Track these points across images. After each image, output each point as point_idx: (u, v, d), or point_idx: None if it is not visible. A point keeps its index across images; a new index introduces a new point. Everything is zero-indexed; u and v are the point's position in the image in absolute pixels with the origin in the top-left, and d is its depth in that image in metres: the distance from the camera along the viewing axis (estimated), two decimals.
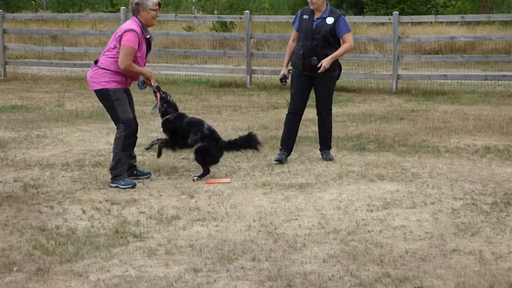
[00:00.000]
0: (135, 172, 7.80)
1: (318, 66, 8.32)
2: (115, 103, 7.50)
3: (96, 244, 5.60)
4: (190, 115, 8.17)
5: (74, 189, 7.39)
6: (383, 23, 24.92)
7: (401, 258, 5.26)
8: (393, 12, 16.26)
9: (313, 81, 8.54)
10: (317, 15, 8.44)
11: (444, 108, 13.09)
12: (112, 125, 11.24)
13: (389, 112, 12.68)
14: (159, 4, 7.59)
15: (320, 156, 8.77)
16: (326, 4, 8.46)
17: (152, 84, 7.77)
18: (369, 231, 5.90)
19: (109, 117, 11.88)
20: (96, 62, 7.58)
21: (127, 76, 7.56)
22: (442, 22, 24.54)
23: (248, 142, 7.96)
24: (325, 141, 8.77)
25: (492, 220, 6.20)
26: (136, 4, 7.52)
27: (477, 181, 7.60)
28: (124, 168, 7.53)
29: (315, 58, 8.36)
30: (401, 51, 18.94)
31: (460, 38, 17.60)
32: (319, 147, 8.88)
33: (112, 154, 7.66)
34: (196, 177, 7.73)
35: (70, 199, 6.99)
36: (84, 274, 4.99)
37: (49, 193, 7.22)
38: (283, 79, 8.66)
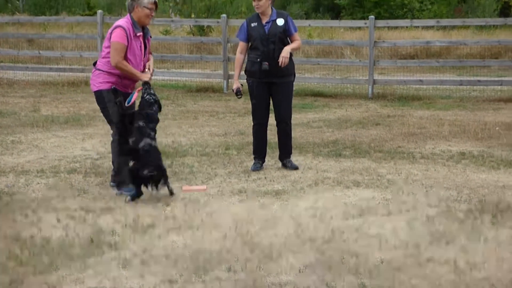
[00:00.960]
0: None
1: (278, 61, 8.25)
2: (108, 105, 7.45)
3: (70, 254, 5.56)
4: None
5: (49, 197, 7.34)
6: (359, 28, 25.03)
7: (377, 268, 5.27)
8: (369, 17, 16.37)
9: (271, 88, 8.52)
10: (265, 20, 8.43)
11: (419, 114, 13.17)
12: (88, 130, 11.24)
13: (365, 117, 12.74)
14: (155, 4, 7.49)
15: (282, 166, 8.69)
16: (271, 7, 8.49)
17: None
18: (344, 240, 5.92)
19: (85, 123, 11.93)
20: (95, 64, 7.56)
21: (124, 77, 7.45)
22: (418, 26, 24.72)
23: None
24: (286, 149, 8.70)
25: (467, 228, 6.23)
26: (132, 0, 7.46)
27: (452, 188, 7.65)
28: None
29: (266, 63, 8.34)
30: (377, 55, 19.03)
31: (436, 43, 17.72)
32: (278, 156, 8.81)
33: (112, 160, 7.62)
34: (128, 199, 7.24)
35: (45, 207, 6.93)
36: (59, 286, 4.95)
37: (24, 201, 7.16)
38: (238, 93, 8.55)
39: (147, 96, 7.43)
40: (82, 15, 34.56)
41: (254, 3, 8.40)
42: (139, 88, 7.57)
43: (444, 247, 5.74)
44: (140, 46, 7.54)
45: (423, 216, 6.60)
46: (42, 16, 32.77)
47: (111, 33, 7.40)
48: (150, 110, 7.38)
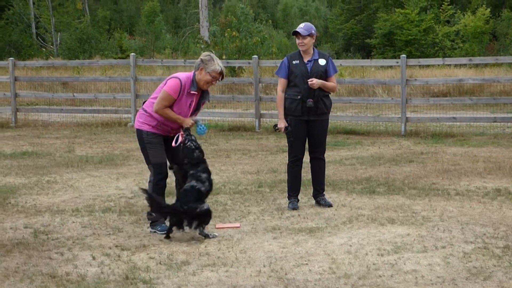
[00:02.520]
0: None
1: (309, 81, 8.30)
2: (147, 146, 7.53)
3: None
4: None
5: (84, 235, 7.39)
6: (391, 66, 25.07)
7: None
8: (401, 55, 16.38)
9: (309, 125, 8.54)
10: (307, 58, 8.48)
11: (453, 151, 13.08)
12: (122, 170, 11.34)
13: (398, 154, 12.68)
14: (220, 74, 7.46)
15: (316, 203, 8.67)
16: (313, 47, 8.55)
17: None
18: (380, 276, 5.86)
19: (119, 162, 12.04)
20: (144, 102, 7.70)
21: (165, 123, 7.48)
22: (450, 64, 24.68)
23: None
24: (320, 186, 8.70)
25: (504, 264, 6.15)
26: (201, 60, 7.46)
27: (488, 224, 7.56)
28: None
29: (311, 100, 8.38)
30: (409, 93, 19.01)
31: (468, 80, 17.66)
32: (312, 192, 8.80)
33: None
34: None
35: (80, 245, 6.98)
36: None
37: (59, 239, 7.22)
38: (290, 131, 8.49)
39: (188, 143, 7.47)
40: (115, 58, 35.06)
41: (298, 41, 8.46)
42: (182, 133, 7.56)
43: (482, 283, 5.65)
44: (190, 104, 7.51)
45: (460, 252, 6.52)
46: (76, 60, 33.30)
47: (167, 80, 7.48)
48: (193, 157, 7.45)
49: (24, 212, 8.48)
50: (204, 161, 7.53)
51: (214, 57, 7.50)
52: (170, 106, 7.40)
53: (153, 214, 7.43)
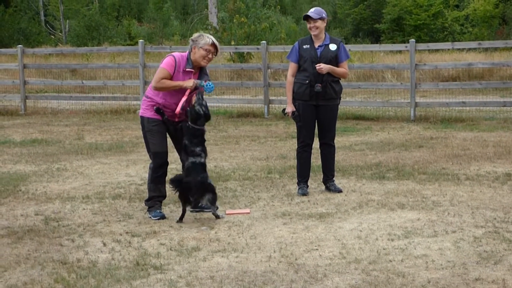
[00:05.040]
0: (200, 204, 7.68)
1: (317, 66, 8.28)
2: (147, 134, 7.55)
3: (117, 276, 5.60)
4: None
5: (94, 222, 7.42)
6: (400, 51, 24.97)
7: (424, 287, 5.21)
8: (410, 40, 16.30)
9: (318, 110, 8.52)
10: (318, 43, 8.45)
11: (463, 135, 13.05)
12: (131, 157, 11.36)
13: (407, 140, 12.66)
14: (213, 46, 7.43)
15: (326, 189, 8.68)
16: (325, 32, 8.51)
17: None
18: (390, 261, 5.86)
19: (128, 150, 12.07)
20: None
21: (166, 106, 7.47)
22: (460, 49, 24.56)
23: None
24: (330, 171, 8.69)
25: None
26: (191, 40, 7.51)
27: (499, 209, 7.54)
28: (158, 199, 7.59)
29: (319, 84, 8.35)
30: (418, 78, 18.94)
31: (478, 64, 17.56)
32: (322, 178, 8.80)
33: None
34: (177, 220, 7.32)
35: (91, 232, 7.01)
36: None
37: (70, 226, 7.25)
38: (296, 117, 8.48)
39: (197, 107, 7.41)
40: (123, 45, 35.06)
41: (309, 25, 8.41)
42: (194, 92, 7.48)
43: (492, 267, 5.65)
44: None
45: (470, 237, 6.51)
46: (85, 47, 33.32)
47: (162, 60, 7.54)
48: (196, 125, 7.42)
49: (35, 199, 8.52)
50: (202, 134, 7.52)
51: (204, 34, 7.54)
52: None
53: (150, 200, 7.57)
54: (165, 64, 7.42)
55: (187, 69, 7.45)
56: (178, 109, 7.44)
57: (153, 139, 7.53)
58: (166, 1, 55.09)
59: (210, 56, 7.47)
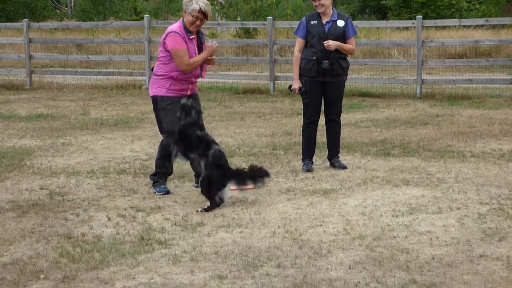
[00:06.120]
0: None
1: (325, 43, 8.23)
2: (161, 113, 7.47)
3: (121, 251, 5.62)
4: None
5: (99, 197, 7.43)
6: (406, 28, 24.84)
7: (428, 264, 5.22)
8: (417, 17, 16.19)
9: (324, 87, 8.49)
10: (325, 19, 8.39)
11: (469, 113, 13.00)
12: (136, 132, 11.36)
13: (413, 117, 12.62)
14: (201, 12, 7.30)
15: (330, 165, 8.66)
16: (332, 8, 8.46)
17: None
18: (394, 237, 5.87)
19: (133, 125, 12.07)
20: (153, 69, 7.64)
21: (180, 81, 7.44)
22: (467, 26, 24.42)
23: (255, 175, 7.11)
24: (335, 148, 8.69)
25: None
26: (184, 4, 7.46)
27: (504, 186, 7.53)
28: (164, 176, 7.59)
29: (326, 61, 8.31)
30: (425, 55, 18.85)
31: (485, 41, 17.45)
32: (326, 155, 8.79)
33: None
34: (201, 210, 6.85)
35: (96, 207, 7.03)
36: (110, 282, 5.01)
37: (75, 201, 7.26)
38: (303, 93, 8.46)
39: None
40: (129, 20, 34.94)
41: (314, 3, 8.35)
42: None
43: (497, 244, 5.65)
44: (195, 50, 7.49)
45: (475, 213, 6.51)
46: (90, 21, 33.22)
47: (164, 39, 7.41)
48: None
49: (40, 173, 8.53)
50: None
51: None
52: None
53: (156, 175, 7.56)
54: (177, 43, 7.30)
55: (190, 37, 7.43)
56: (204, 74, 7.58)
57: (166, 117, 7.46)
58: None
59: (198, 22, 7.37)
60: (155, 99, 7.53)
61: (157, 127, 7.77)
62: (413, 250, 5.52)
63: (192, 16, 7.33)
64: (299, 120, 12.41)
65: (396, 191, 7.41)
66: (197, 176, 7.60)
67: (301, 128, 8.76)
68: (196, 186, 7.65)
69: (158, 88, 7.48)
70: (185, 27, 7.41)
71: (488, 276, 4.97)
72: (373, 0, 46.95)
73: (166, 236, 6.00)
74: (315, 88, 8.44)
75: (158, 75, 7.49)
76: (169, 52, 7.37)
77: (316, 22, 8.37)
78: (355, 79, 16.69)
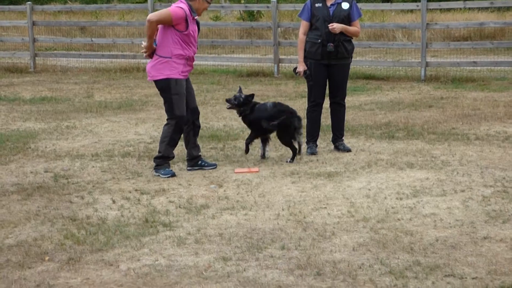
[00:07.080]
0: (200, 162, 7.78)
1: (330, 26, 8.23)
2: (173, 97, 7.46)
3: (126, 233, 5.64)
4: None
5: (104, 179, 7.45)
6: (411, 10, 24.69)
7: (432, 246, 5.23)
8: None
9: (329, 69, 8.47)
10: (330, 1, 8.37)
11: (473, 95, 12.97)
12: (141, 115, 11.36)
13: (417, 99, 12.59)
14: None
15: (335, 148, 8.67)
16: None
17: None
18: (398, 219, 5.88)
19: (138, 108, 12.06)
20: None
21: (190, 50, 7.51)
22: (471, 8, 24.28)
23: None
24: (339, 130, 8.69)
25: None
26: None
27: (508, 168, 7.52)
28: (168, 159, 7.62)
29: (331, 44, 8.29)
30: (429, 38, 18.77)
31: (490, 24, 17.37)
32: (331, 137, 8.80)
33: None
34: (290, 160, 8.06)
35: (100, 189, 7.04)
36: (115, 263, 5.03)
37: (79, 183, 7.28)
38: (308, 76, 8.48)
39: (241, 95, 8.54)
40: (133, 3, 34.82)
41: None
42: None
43: (500, 226, 5.66)
44: (195, 29, 7.59)
45: (479, 196, 6.51)
46: (94, 4, 33.13)
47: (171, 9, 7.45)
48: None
49: (44, 156, 8.55)
50: None
51: None
52: (186, 40, 7.43)
53: (160, 159, 7.56)
54: (175, 12, 7.34)
55: (195, 17, 7.54)
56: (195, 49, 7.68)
57: (179, 102, 7.48)
58: None
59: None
60: (167, 83, 7.45)
61: (161, 110, 7.77)
62: (417, 232, 5.53)
63: (208, 2, 7.60)
64: (303, 103, 12.37)
65: (400, 173, 7.41)
66: (190, 159, 7.70)
67: (306, 111, 8.76)
68: (188, 169, 7.68)
69: (172, 70, 7.44)
70: (191, 9, 7.46)
71: (492, 257, 4.98)
72: None
73: (170, 219, 6.01)
74: (320, 71, 8.43)
75: (170, 57, 7.42)
76: (180, 31, 7.39)
77: (320, 4, 8.35)
78: (359, 62, 16.64)
